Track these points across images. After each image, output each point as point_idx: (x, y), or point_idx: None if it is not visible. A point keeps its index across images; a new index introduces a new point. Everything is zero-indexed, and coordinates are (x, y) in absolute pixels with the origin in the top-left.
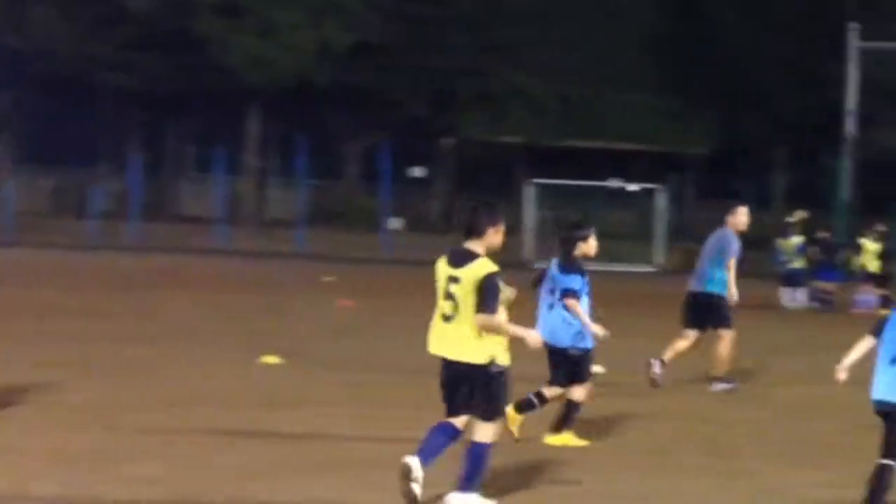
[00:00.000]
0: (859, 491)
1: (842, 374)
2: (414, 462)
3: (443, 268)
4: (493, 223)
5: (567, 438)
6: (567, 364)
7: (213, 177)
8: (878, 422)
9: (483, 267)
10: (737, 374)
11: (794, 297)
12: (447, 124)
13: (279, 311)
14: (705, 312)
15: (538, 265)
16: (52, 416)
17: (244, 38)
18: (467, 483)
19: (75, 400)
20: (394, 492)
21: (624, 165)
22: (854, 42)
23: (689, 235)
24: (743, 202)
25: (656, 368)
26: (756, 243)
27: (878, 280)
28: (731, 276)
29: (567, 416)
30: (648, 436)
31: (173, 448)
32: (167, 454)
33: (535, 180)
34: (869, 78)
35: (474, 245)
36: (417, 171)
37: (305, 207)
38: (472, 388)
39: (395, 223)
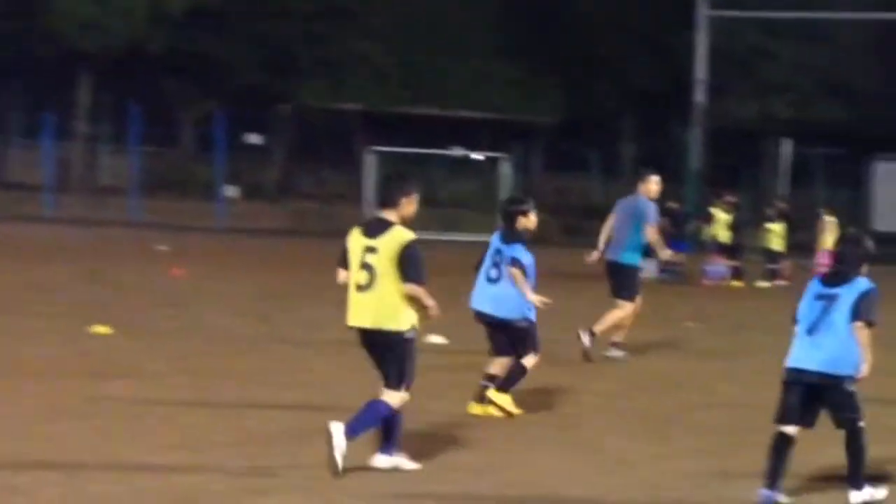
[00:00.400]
0: (699, 462)
1: None
2: (337, 431)
3: (357, 238)
4: (407, 193)
5: (507, 400)
6: (514, 335)
7: (41, 143)
8: (718, 399)
9: (402, 236)
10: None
11: (644, 268)
12: (285, 91)
13: (110, 280)
14: (615, 280)
15: None
16: None
17: (75, 2)
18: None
19: None
20: (222, 458)
21: (469, 134)
22: (703, 10)
23: (536, 205)
24: (653, 170)
25: (586, 340)
26: (604, 214)
27: (728, 251)
28: (659, 241)
29: (513, 379)
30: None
31: (4, 420)
32: None
33: (376, 148)
34: (718, 47)
35: (389, 215)
36: (254, 139)
37: (138, 175)
38: (381, 352)
39: (230, 191)
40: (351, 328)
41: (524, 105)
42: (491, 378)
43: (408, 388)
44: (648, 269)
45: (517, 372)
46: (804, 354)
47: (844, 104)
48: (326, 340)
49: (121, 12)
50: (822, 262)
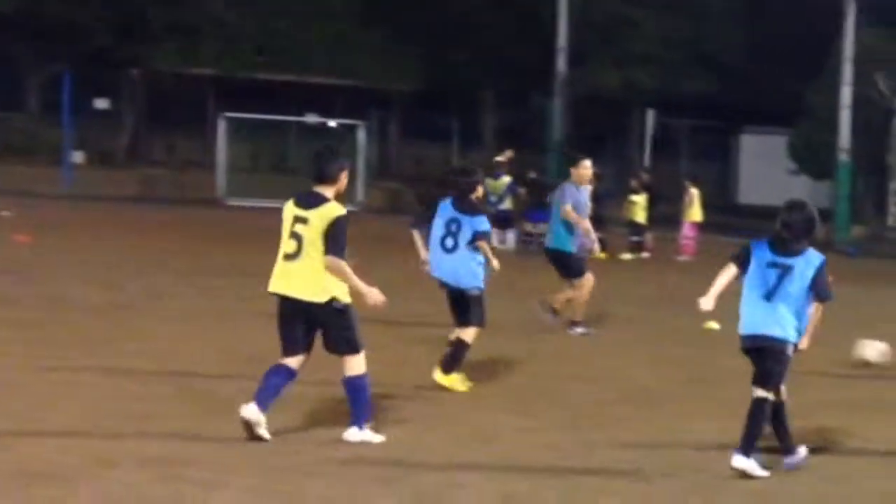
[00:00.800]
0: (564, 435)
1: (709, 303)
2: (251, 411)
3: (290, 208)
4: (342, 167)
5: (454, 380)
6: (466, 303)
7: None
8: (583, 372)
9: (333, 210)
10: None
11: (504, 239)
12: (136, 55)
13: None
14: (558, 267)
15: (232, 201)
16: None
17: None
18: (358, 418)
19: None
20: (69, 426)
21: (325, 101)
22: None
23: (393, 174)
24: (586, 154)
25: (548, 317)
26: None
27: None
28: (585, 224)
29: (456, 358)
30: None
31: None
32: None
33: (228, 114)
34: (581, 15)
35: (324, 189)
36: (102, 103)
37: None
38: (317, 326)
39: (77, 157)
40: (276, 295)
41: (383, 72)
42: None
43: (359, 352)
44: (509, 239)
45: (459, 348)
46: (761, 320)
47: (710, 76)
48: (173, 308)
49: None
50: (689, 234)
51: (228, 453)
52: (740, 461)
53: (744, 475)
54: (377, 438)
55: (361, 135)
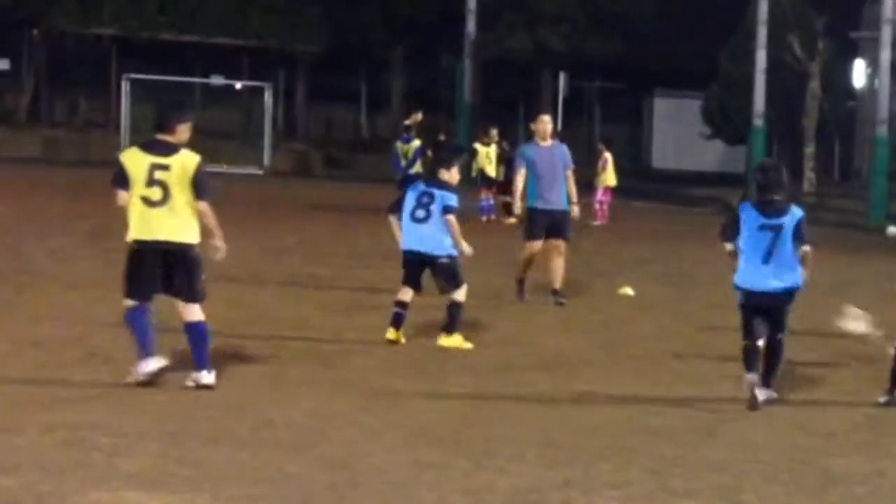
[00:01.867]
0: (466, 403)
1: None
2: (149, 366)
3: (141, 156)
4: (182, 120)
5: (458, 340)
6: (442, 271)
7: None
8: (492, 338)
9: (194, 157)
10: (358, 289)
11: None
12: (36, 14)
13: None
14: (563, 227)
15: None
16: None
17: None
18: (203, 362)
19: None
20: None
21: (229, 62)
22: None
23: (300, 136)
24: (544, 110)
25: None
26: (371, 146)
27: (498, 185)
28: (534, 186)
29: (455, 319)
30: (255, 345)
31: None
32: None
33: (131, 75)
34: None
35: (168, 138)
36: (2, 64)
37: None
38: (177, 270)
39: None
40: (141, 242)
41: (289, 33)
42: (404, 305)
43: (201, 301)
44: None
45: (455, 310)
46: (763, 281)
47: (621, 38)
48: (78, 272)
49: None
50: (604, 198)
51: (133, 419)
52: (763, 393)
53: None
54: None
55: (267, 96)
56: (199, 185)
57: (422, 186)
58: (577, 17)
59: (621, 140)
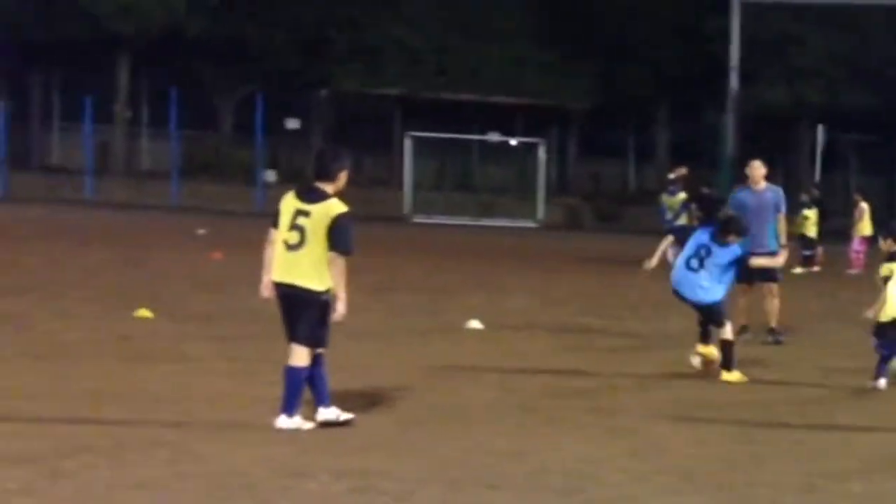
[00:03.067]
0: (726, 448)
1: None
2: (322, 414)
3: (291, 201)
4: (343, 167)
5: (737, 376)
6: (706, 313)
7: (81, 126)
8: None
9: (337, 206)
10: (629, 336)
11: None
12: (322, 75)
13: (150, 263)
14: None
15: (418, 219)
16: None
17: None
18: (287, 407)
19: None
20: (265, 447)
21: (504, 119)
22: None
23: (570, 190)
24: (754, 155)
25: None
26: (638, 199)
27: None
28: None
29: (727, 355)
30: (531, 391)
31: (47, 403)
32: (35, 410)
33: (412, 133)
34: (749, 32)
35: (325, 186)
36: (292, 123)
37: (178, 159)
38: (295, 313)
39: (269, 175)
40: (277, 284)
41: (558, 90)
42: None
43: (319, 347)
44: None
45: (726, 348)
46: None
47: (875, 91)
48: (359, 323)
49: None
50: (860, 248)
51: (415, 465)
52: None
53: None
54: (307, 425)
55: (541, 152)
56: (336, 236)
57: (705, 237)
58: (834, 71)
59: (877, 191)
